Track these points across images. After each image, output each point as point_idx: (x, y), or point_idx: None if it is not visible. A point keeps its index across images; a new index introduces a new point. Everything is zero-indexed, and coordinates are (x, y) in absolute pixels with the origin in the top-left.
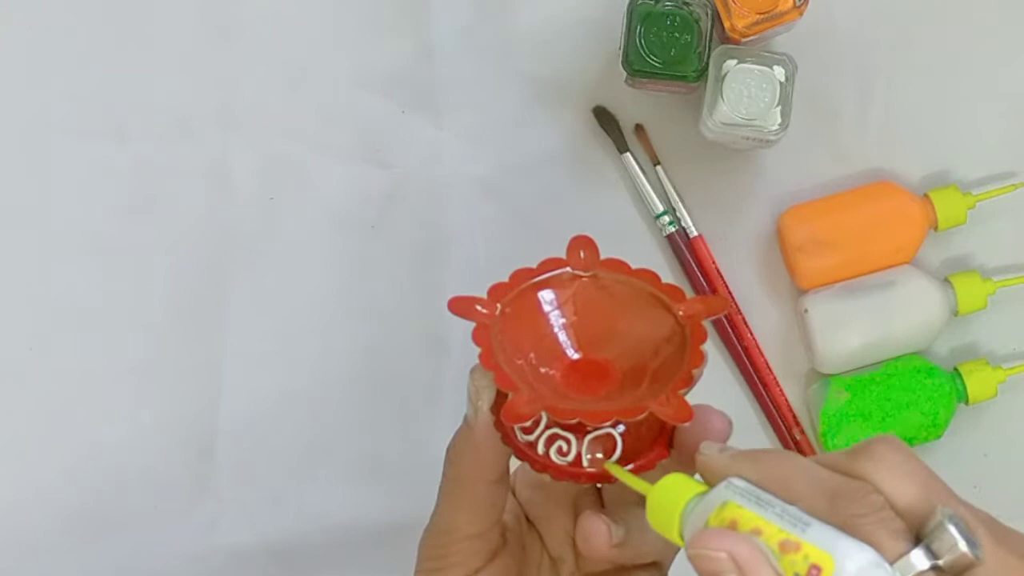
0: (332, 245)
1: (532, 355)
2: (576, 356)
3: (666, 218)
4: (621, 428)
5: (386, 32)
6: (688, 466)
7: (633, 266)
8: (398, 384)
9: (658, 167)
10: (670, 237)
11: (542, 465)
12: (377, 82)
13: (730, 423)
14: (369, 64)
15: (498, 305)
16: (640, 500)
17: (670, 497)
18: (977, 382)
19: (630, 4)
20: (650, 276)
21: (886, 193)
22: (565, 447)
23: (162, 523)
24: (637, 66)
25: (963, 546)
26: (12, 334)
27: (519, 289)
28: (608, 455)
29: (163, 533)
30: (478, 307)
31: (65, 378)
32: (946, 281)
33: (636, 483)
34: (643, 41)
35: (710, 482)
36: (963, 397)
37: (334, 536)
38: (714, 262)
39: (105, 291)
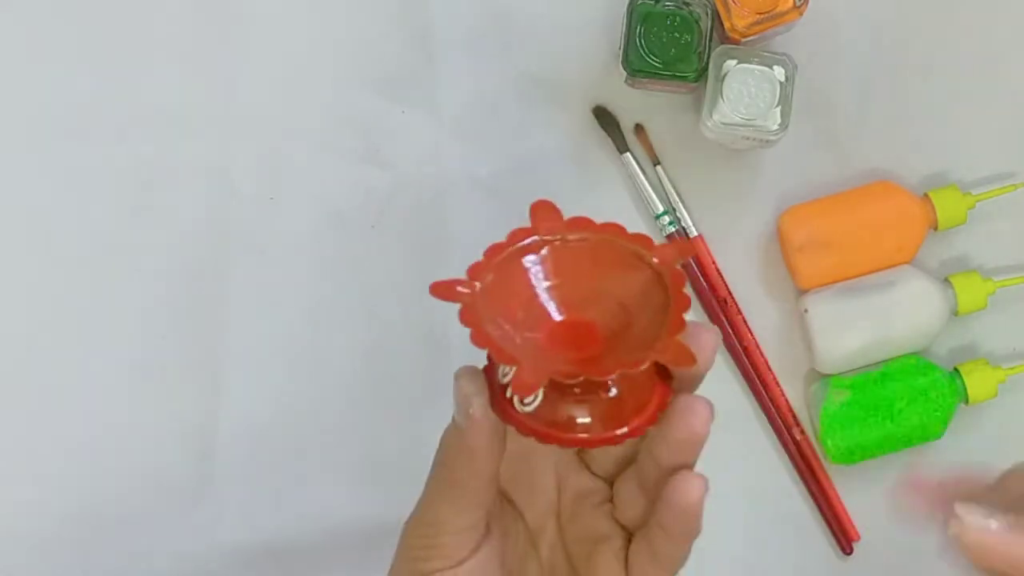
0: (332, 245)
1: (519, 325)
2: (559, 319)
3: (666, 218)
4: (613, 392)
5: (386, 32)
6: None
7: (597, 221)
8: (398, 384)
9: (658, 167)
10: (670, 237)
11: (546, 434)
12: (377, 82)
13: (710, 406)
14: (369, 64)
15: (476, 283)
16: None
17: None
18: (977, 382)
19: (630, 4)
20: (616, 229)
21: (886, 193)
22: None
23: (162, 523)
24: (637, 66)
25: None
26: (12, 334)
27: (494, 263)
28: (610, 413)
29: (163, 533)
30: (459, 288)
31: (65, 378)
32: (946, 281)
33: None
34: (643, 41)
35: (979, 562)
36: (963, 397)
37: (334, 536)
38: (714, 262)
39: (105, 291)
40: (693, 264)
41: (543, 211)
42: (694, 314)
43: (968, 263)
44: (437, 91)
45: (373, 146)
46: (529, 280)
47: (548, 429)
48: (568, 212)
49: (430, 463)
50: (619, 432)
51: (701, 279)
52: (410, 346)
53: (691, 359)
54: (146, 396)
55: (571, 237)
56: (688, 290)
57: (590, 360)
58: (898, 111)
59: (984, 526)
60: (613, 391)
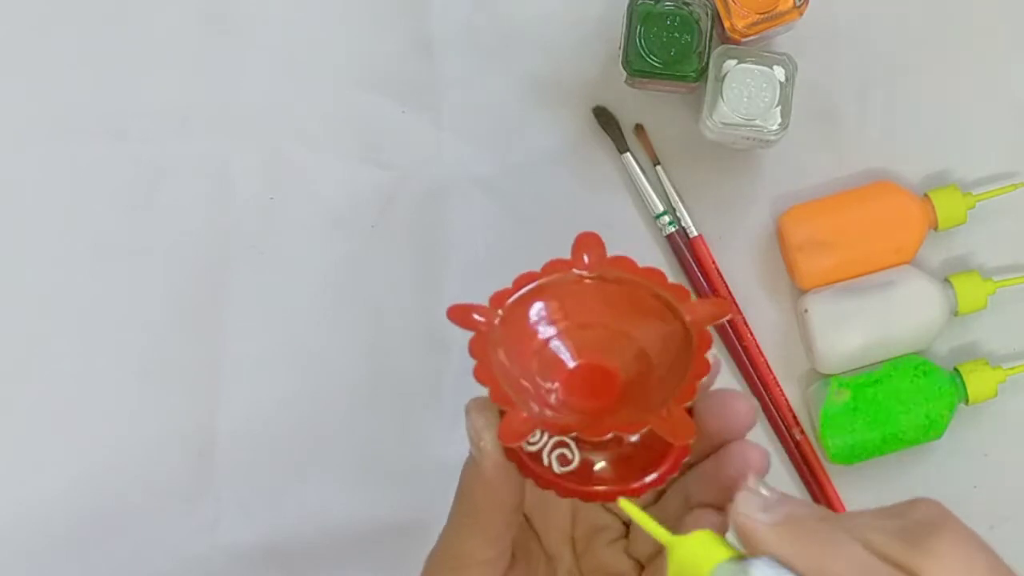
0: (332, 245)
1: (534, 364)
2: (575, 363)
3: (666, 218)
4: (634, 437)
5: (386, 31)
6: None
7: (639, 264)
8: (398, 384)
9: (658, 167)
10: (670, 237)
11: (547, 482)
12: (377, 82)
13: (768, 456)
14: (369, 63)
15: (497, 312)
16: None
17: (696, 557)
18: (977, 382)
19: (630, 4)
20: (656, 275)
21: (886, 193)
22: (569, 455)
23: (162, 523)
24: (637, 66)
25: None
26: (12, 334)
27: (519, 295)
28: (622, 466)
29: (163, 533)
30: (475, 315)
31: (65, 379)
32: (946, 281)
33: (656, 531)
34: (643, 41)
35: (746, 546)
36: (963, 397)
37: (334, 536)
38: (714, 262)
39: (105, 291)
40: (693, 264)
41: (586, 245)
42: None
43: (968, 263)
44: (437, 91)
45: (373, 146)
46: (553, 316)
47: (564, 481)
48: (568, 212)
49: (430, 463)
50: (636, 485)
51: (701, 279)
52: (410, 346)
53: (689, 434)
54: (146, 396)
55: (608, 276)
56: (712, 356)
57: (601, 411)
58: (898, 111)
59: (753, 515)
60: (634, 437)
